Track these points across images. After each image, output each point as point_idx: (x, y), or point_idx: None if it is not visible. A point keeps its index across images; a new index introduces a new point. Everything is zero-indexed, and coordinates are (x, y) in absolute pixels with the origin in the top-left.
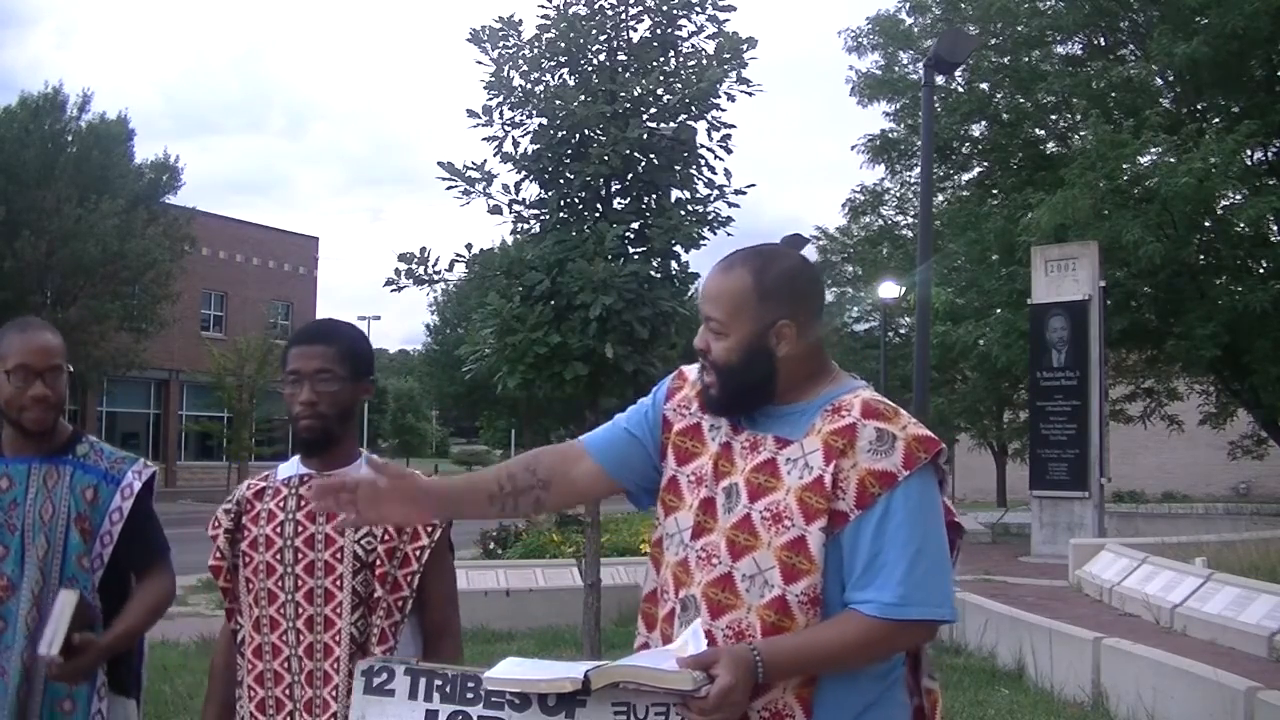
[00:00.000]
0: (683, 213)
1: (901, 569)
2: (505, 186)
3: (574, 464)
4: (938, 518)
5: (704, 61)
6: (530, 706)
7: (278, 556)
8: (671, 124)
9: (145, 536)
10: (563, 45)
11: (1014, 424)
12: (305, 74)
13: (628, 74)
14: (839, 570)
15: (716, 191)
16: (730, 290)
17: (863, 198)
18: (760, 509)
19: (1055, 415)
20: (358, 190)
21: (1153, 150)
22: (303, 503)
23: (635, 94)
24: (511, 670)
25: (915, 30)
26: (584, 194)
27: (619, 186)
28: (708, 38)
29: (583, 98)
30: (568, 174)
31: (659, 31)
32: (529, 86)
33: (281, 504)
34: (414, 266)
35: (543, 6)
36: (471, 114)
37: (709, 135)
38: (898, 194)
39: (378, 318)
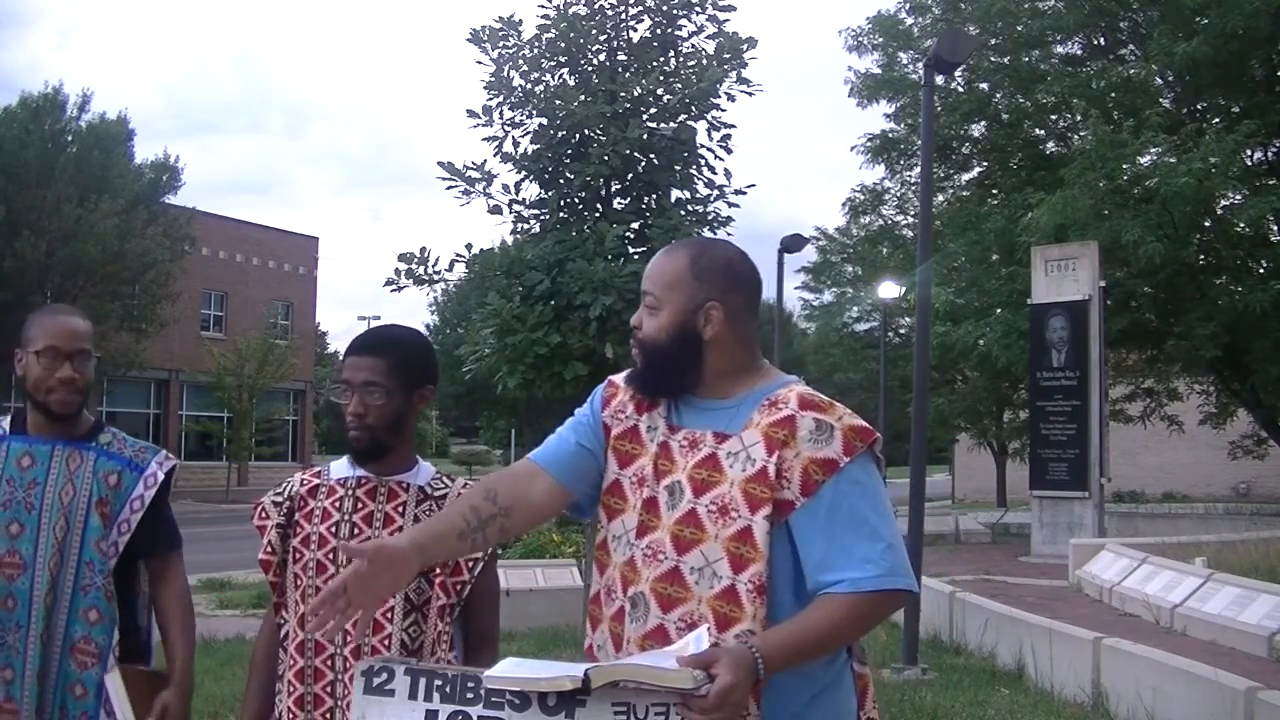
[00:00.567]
0: (683, 213)
1: (861, 546)
2: (505, 186)
3: (530, 484)
4: (883, 498)
5: (704, 61)
6: (530, 706)
7: (330, 556)
8: (671, 124)
9: (162, 527)
10: (563, 45)
11: (1014, 424)
12: (305, 74)
13: (628, 74)
14: (786, 557)
15: (716, 191)
16: (667, 268)
17: (863, 198)
18: (706, 503)
19: (1055, 415)
20: (358, 190)
21: (1152, 150)
22: (360, 504)
23: (635, 94)
24: (511, 670)
25: (915, 30)
26: (584, 194)
27: (619, 186)
28: (708, 38)
29: (583, 98)
30: (568, 174)
31: (659, 31)
32: (529, 86)
33: (337, 504)
34: (414, 266)
35: (543, 6)
36: (471, 114)
37: (709, 135)
38: (898, 194)
39: (378, 318)
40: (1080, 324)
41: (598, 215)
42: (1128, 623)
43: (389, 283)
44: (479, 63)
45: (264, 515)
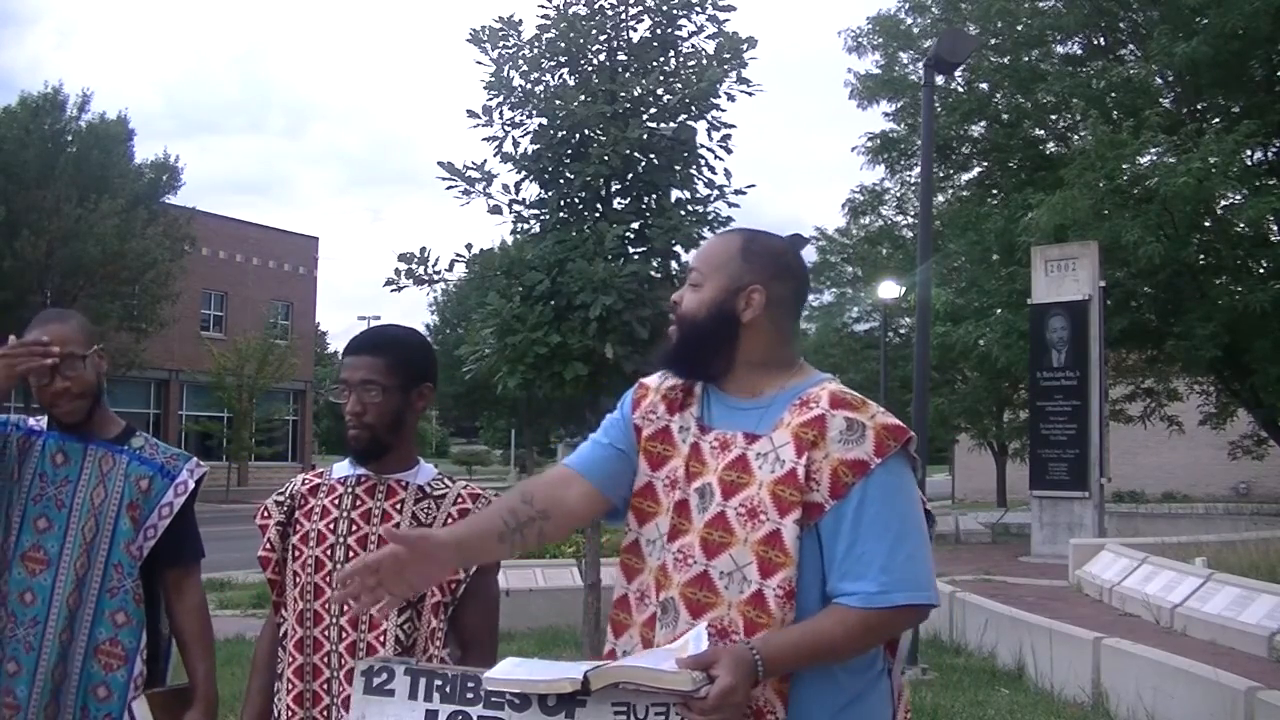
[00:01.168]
0: (683, 213)
1: (881, 557)
2: (505, 186)
3: (567, 489)
4: (914, 503)
5: (704, 61)
6: (530, 706)
7: (328, 552)
8: (671, 124)
9: (186, 535)
10: (563, 45)
11: (1014, 424)
12: (305, 74)
13: (628, 74)
14: (816, 562)
15: (716, 191)
16: (718, 247)
17: (862, 198)
18: (735, 506)
19: (1055, 415)
20: (358, 190)
21: (1152, 150)
22: (358, 502)
23: (635, 94)
24: (511, 670)
25: (915, 30)
26: (584, 194)
27: (619, 186)
28: (708, 38)
29: (583, 98)
30: (568, 174)
31: (659, 31)
32: (529, 86)
33: (336, 501)
34: (414, 266)
35: (543, 6)
36: (471, 114)
37: (709, 135)
38: (898, 194)
39: (378, 318)
40: (1080, 324)
41: (598, 215)
42: (1128, 623)
43: (389, 283)
44: (479, 63)
45: (266, 514)
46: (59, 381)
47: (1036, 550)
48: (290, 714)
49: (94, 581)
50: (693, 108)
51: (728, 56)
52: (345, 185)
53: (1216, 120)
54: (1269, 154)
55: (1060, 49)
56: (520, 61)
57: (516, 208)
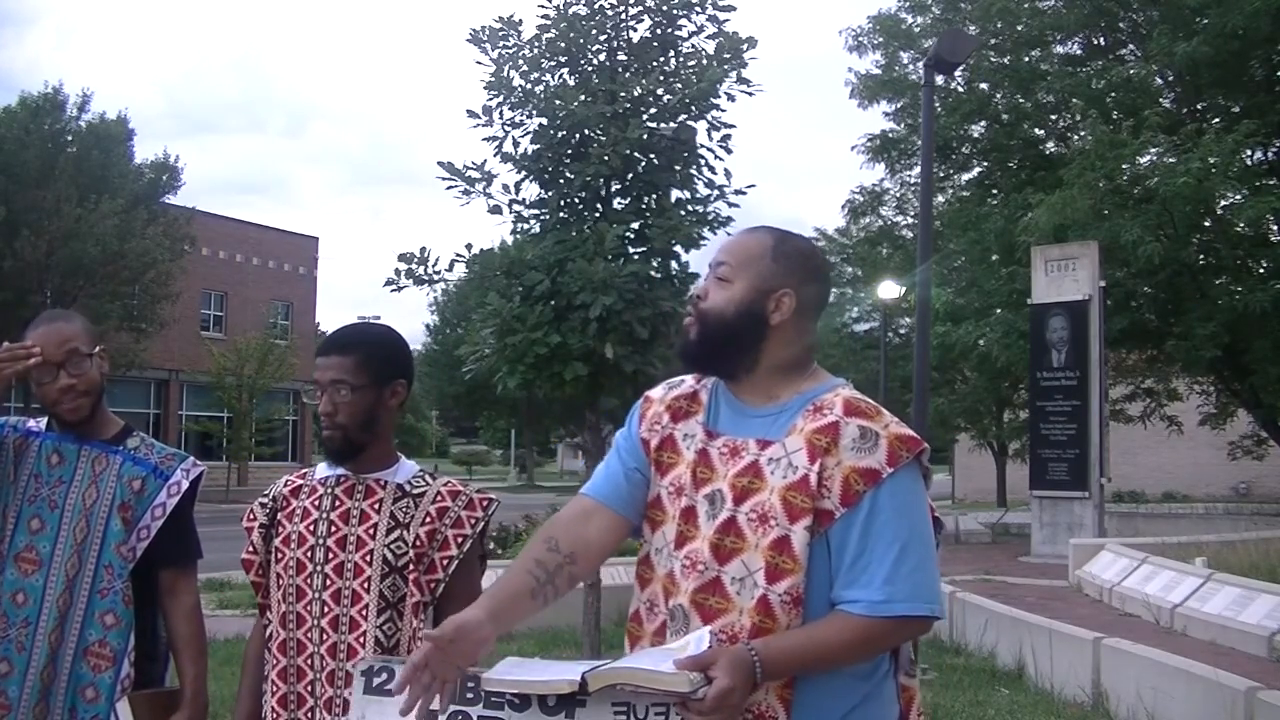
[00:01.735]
0: (683, 213)
1: (886, 566)
2: (505, 186)
3: (587, 524)
4: (923, 514)
5: (704, 61)
6: (530, 706)
7: (308, 554)
8: (671, 124)
9: (181, 536)
10: (563, 45)
11: (1014, 424)
12: (305, 74)
13: (628, 74)
14: (825, 569)
15: (716, 191)
16: (748, 244)
17: (862, 198)
18: (746, 511)
19: (1055, 415)
20: (358, 190)
21: (1152, 150)
22: (338, 502)
23: (635, 94)
24: (510, 671)
25: (916, 30)
26: (584, 194)
27: (619, 186)
28: (708, 38)
29: (583, 98)
30: (568, 174)
31: (659, 31)
32: (529, 86)
33: (317, 502)
34: (414, 266)
35: (543, 6)
36: (471, 114)
37: (709, 135)
38: (897, 194)
39: (378, 318)
40: (1080, 324)
41: (598, 215)
42: (1128, 623)
43: (389, 283)
44: (479, 63)
45: (251, 517)
46: (64, 379)
47: (1036, 550)
48: (275, 716)
49: (85, 582)
50: (693, 108)
51: (728, 56)
52: (345, 185)
53: (1216, 120)
54: (1269, 154)
55: (1060, 49)
56: (520, 61)
57: (516, 208)
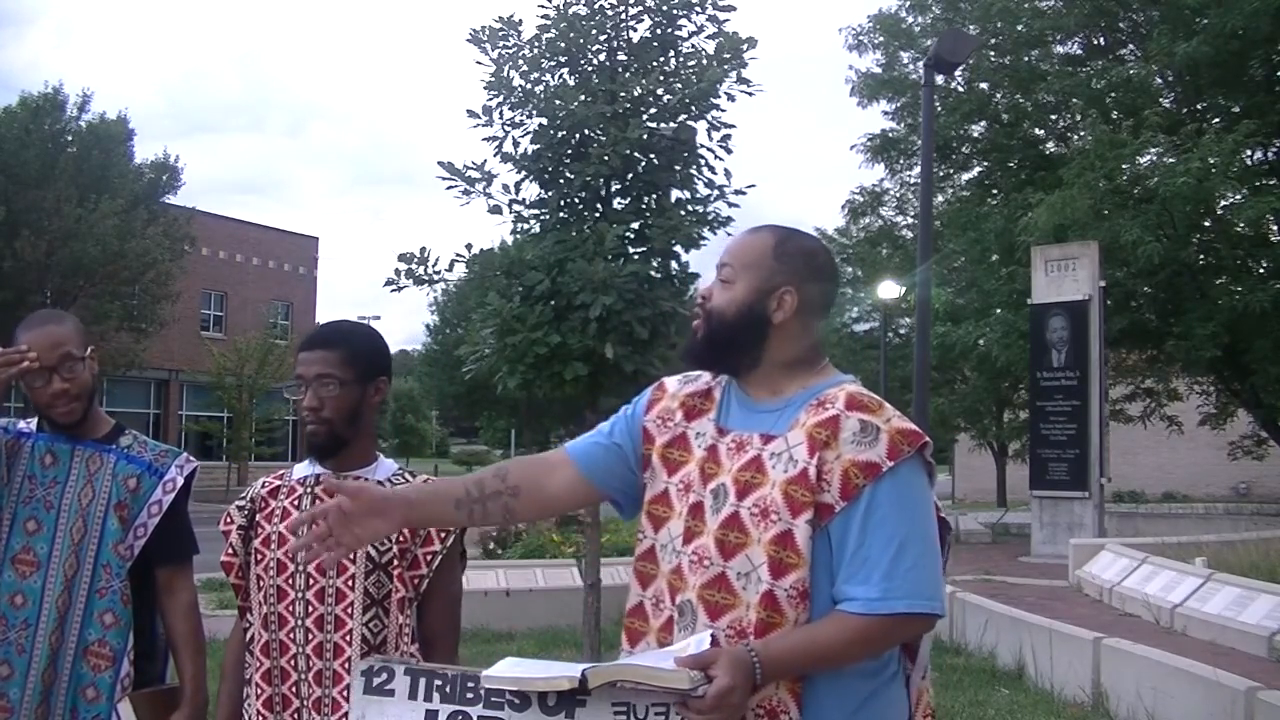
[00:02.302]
0: (683, 213)
1: (885, 563)
2: (505, 186)
3: (552, 471)
4: (925, 510)
5: (704, 61)
6: (530, 706)
7: (290, 554)
8: (671, 124)
9: (177, 533)
10: (563, 45)
11: (1014, 424)
12: (305, 74)
13: (628, 74)
14: (828, 563)
15: (716, 191)
16: (750, 244)
17: (862, 199)
18: (749, 505)
19: (1055, 415)
20: (358, 190)
21: (1152, 150)
22: (316, 501)
23: (635, 94)
24: (510, 670)
25: (916, 29)
26: (584, 194)
27: (619, 186)
28: (708, 38)
29: (583, 98)
30: (568, 174)
31: (659, 31)
32: (529, 86)
33: (296, 502)
34: (414, 266)
35: (543, 6)
36: (471, 114)
37: (709, 135)
38: (897, 194)
39: (378, 318)
40: (1080, 324)
41: (598, 215)
42: (1128, 623)
43: (389, 283)
44: (479, 63)
45: (229, 520)
46: (58, 383)
47: (1036, 550)
48: (261, 718)
49: (83, 583)
50: (693, 108)
51: (728, 56)
52: (345, 185)
53: (1216, 120)
54: (1269, 154)
55: (1060, 49)
56: (520, 61)
57: (516, 208)
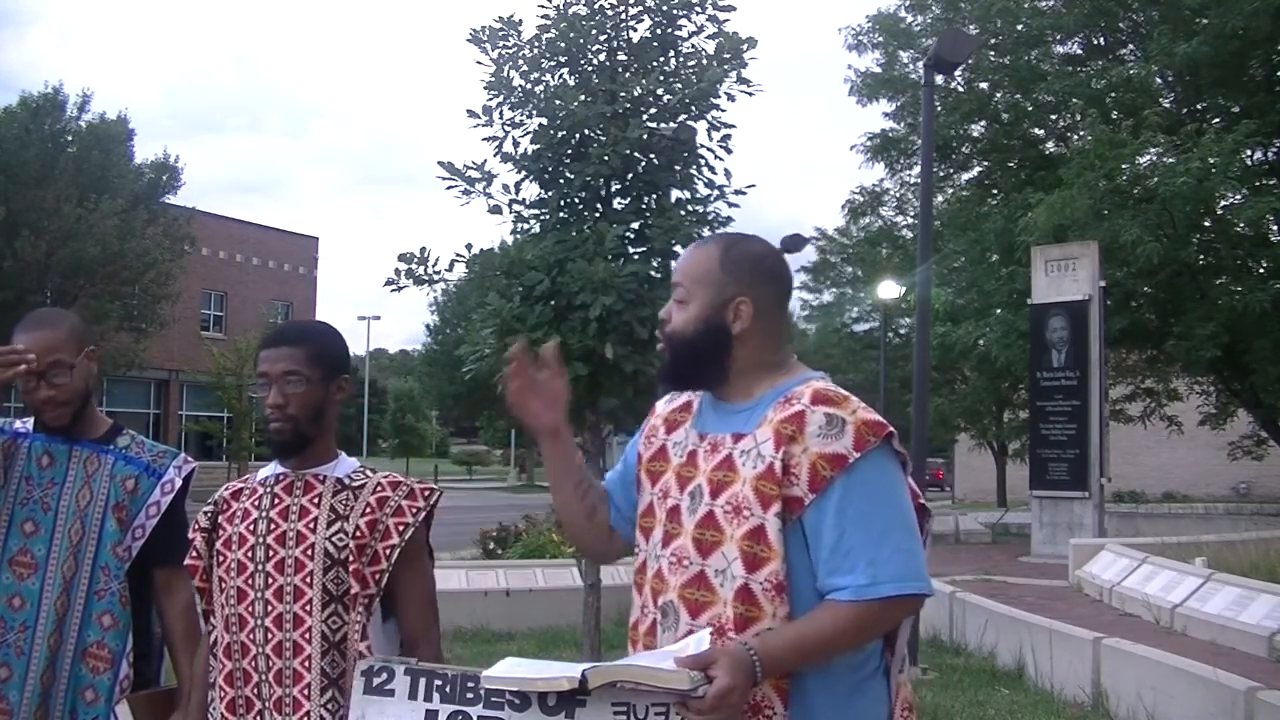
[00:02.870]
0: (683, 213)
1: (869, 550)
2: (505, 186)
3: (602, 505)
4: (899, 496)
5: (704, 61)
6: (530, 706)
7: (249, 554)
8: (671, 124)
9: (175, 534)
10: (563, 45)
11: (1014, 424)
12: (305, 74)
13: (628, 74)
14: (803, 554)
15: (716, 191)
16: (697, 260)
17: (862, 199)
18: (722, 504)
19: (1055, 415)
20: (358, 190)
21: (1152, 150)
22: (277, 500)
23: (635, 94)
24: (510, 670)
25: (915, 29)
26: (584, 194)
27: (619, 186)
28: (708, 38)
29: (583, 98)
30: (568, 174)
31: (659, 31)
32: (529, 86)
33: (256, 502)
34: (414, 266)
35: (543, 6)
36: (471, 114)
37: (709, 135)
38: (897, 194)
39: (378, 318)
40: (1080, 324)
41: (598, 215)
42: (1128, 623)
43: (389, 283)
44: (479, 63)
45: (195, 526)
46: (44, 390)
47: (1036, 550)
48: None
49: (81, 584)
50: (693, 108)
51: (728, 56)
52: (345, 185)
53: (1216, 120)
54: (1269, 154)
55: (1060, 49)
56: (520, 61)
57: (516, 208)
